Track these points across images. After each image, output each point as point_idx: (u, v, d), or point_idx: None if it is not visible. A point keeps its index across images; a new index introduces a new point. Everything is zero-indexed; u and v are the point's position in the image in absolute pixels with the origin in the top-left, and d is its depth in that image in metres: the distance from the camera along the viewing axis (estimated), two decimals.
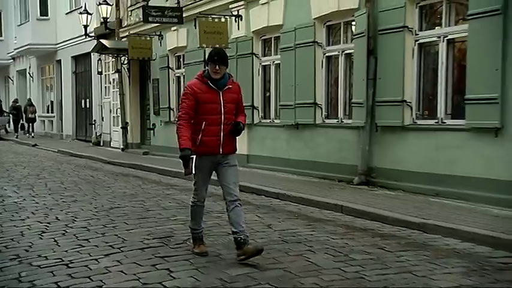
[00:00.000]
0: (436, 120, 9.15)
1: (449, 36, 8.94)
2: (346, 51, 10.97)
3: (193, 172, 5.46)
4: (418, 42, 9.43)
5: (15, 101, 30.64)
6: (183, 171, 5.56)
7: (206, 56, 14.89)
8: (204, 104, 5.43)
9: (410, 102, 9.46)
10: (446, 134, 8.89)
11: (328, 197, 8.98)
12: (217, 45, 13.86)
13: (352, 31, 10.67)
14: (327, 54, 11.41)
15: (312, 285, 4.77)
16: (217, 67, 5.39)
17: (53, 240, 6.54)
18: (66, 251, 6.02)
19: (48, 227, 7.30)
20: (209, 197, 9.78)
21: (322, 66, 11.39)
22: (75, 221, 7.72)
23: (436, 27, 9.30)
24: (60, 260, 5.61)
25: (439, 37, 9.05)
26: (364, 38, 9.92)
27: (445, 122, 9.00)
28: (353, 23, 10.53)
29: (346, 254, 5.88)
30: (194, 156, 5.39)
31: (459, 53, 9.03)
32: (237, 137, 5.74)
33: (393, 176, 9.70)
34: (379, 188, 9.80)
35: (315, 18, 11.29)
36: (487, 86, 7.99)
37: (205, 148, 5.48)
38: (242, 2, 13.45)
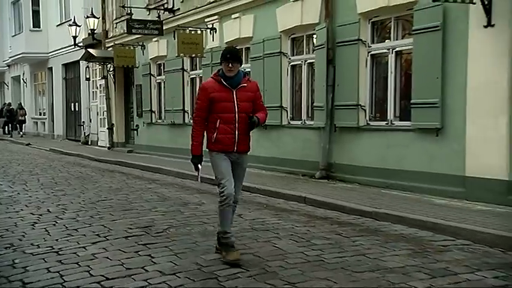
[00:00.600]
0: (387, 122, 9.30)
1: (397, 49, 9.10)
2: (308, 61, 11.06)
3: (199, 180, 5.45)
4: (370, 53, 9.56)
5: (9, 104, 30.32)
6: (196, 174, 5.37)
7: (184, 63, 15.21)
8: (218, 102, 5.03)
9: (364, 106, 9.60)
10: (395, 134, 9.05)
11: (293, 190, 9.07)
12: (194, 55, 14.01)
13: (313, 43, 10.77)
14: (291, 63, 11.49)
15: (277, 268, 4.80)
16: (230, 65, 4.98)
17: (44, 230, 6.52)
18: (56, 239, 6.00)
19: (40, 218, 7.26)
20: (186, 190, 10.00)
21: (287, 74, 11.49)
22: (65, 212, 7.69)
23: (386, 41, 9.46)
24: (51, 248, 5.60)
25: (388, 49, 9.21)
26: (324, 49, 10.05)
27: (394, 124, 9.16)
28: (314, 36, 10.63)
29: (308, 239, 5.95)
30: (200, 167, 5.23)
31: (405, 63, 9.18)
32: (250, 131, 5.29)
33: (350, 171, 9.81)
34: (337, 181, 9.90)
35: (281, 31, 11.37)
36: (429, 92, 8.15)
37: (221, 146, 5.10)
38: (216, 17, 13.50)
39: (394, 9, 8.98)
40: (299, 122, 11.29)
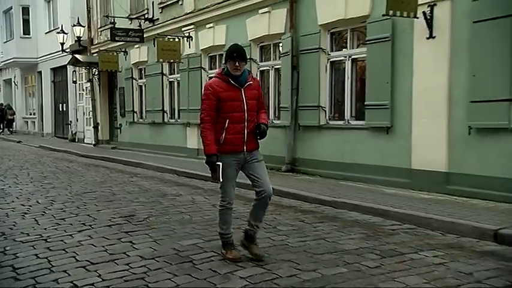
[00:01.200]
0: (344, 121, 9.44)
1: (353, 56, 9.25)
2: (275, 67, 11.13)
3: (221, 180, 4.47)
4: (330, 60, 9.66)
5: (1, 104, 29.74)
6: (211, 175, 4.55)
7: (163, 68, 15.17)
8: (226, 102, 4.41)
9: (324, 107, 9.71)
10: (352, 132, 9.18)
11: None
12: (172, 61, 13.94)
13: (279, 51, 10.82)
14: (260, 69, 11.54)
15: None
16: (237, 63, 4.39)
17: (33, 220, 6.42)
18: (45, 228, 5.92)
19: (30, 209, 7.15)
20: (165, 183, 9.99)
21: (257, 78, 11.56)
22: (53, 203, 7.57)
23: (343, 49, 9.56)
24: (40, 236, 5.53)
25: (345, 57, 9.34)
26: (289, 57, 10.14)
27: (350, 123, 9.29)
28: (280, 44, 10.68)
29: (275, 226, 5.99)
30: (221, 164, 4.42)
31: (360, 70, 9.31)
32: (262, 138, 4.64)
33: (312, 165, 9.91)
34: (301, 174, 10.00)
35: (250, 40, 11.41)
36: (380, 95, 8.29)
37: (230, 147, 4.46)
38: (192, 26, 13.47)
39: (350, 22, 9.10)
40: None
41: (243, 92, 4.46)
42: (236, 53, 4.43)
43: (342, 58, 9.50)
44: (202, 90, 4.62)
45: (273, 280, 4.08)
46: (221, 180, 4.47)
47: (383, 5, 7.24)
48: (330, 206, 7.18)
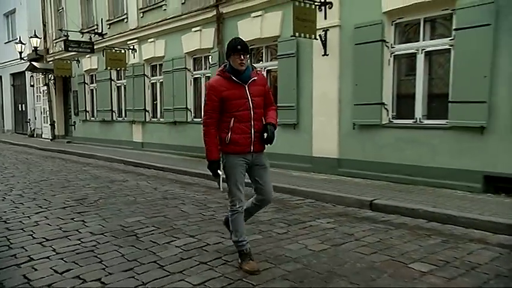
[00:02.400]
0: None
1: (268, 68, 9.34)
2: (206, 75, 11.04)
3: (221, 189, 3.57)
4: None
5: None
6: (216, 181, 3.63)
7: (111, 75, 14.64)
8: (230, 101, 3.40)
9: None
10: None
11: (195, 169, 9.02)
12: (119, 68, 13.48)
13: (209, 62, 10.76)
14: (194, 76, 11.40)
15: (182, 225, 4.84)
16: (242, 57, 3.37)
17: None
18: (4, 212, 5.59)
19: None
20: (113, 171, 9.68)
21: (191, 84, 11.40)
22: (13, 190, 7.16)
23: (260, 62, 9.65)
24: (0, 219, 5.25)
25: (262, 68, 9.36)
26: (217, 66, 10.02)
27: None
28: (210, 56, 10.63)
29: (205, 204, 6.01)
30: (222, 173, 3.51)
31: (273, 79, 9.37)
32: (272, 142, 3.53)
33: None
34: None
35: (185, 53, 11.25)
36: (289, 99, 8.47)
37: (236, 147, 3.46)
38: (136, 40, 13.05)
39: (265, 40, 9.22)
40: (200, 119, 11.18)
41: (247, 88, 3.44)
42: (241, 46, 3.39)
43: (259, 69, 9.43)
44: (205, 90, 3.59)
45: (203, 247, 4.10)
46: (221, 188, 3.56)
47: (291, 28, 7.40)
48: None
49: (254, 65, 7.24)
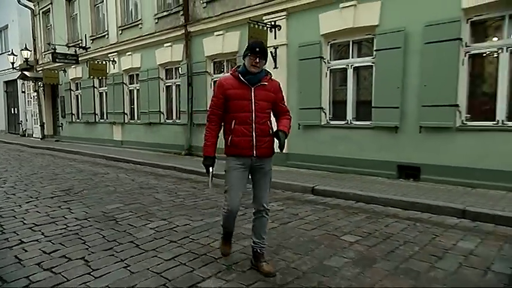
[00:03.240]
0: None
1: None
2: (176, 83, 10.84)
3: (210, 186, 3.07)
4: (212, 79, 9.65)
5: None
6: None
7: (94, 83, 14.05)
8: (233, 100, 2.77)
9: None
10: None
11: (167, 162, 8.91)
12: (100, 77, 13.00)
13: (179, 72, 10.58)
14: (166, 84, 11.17)
15: (156, 210, 4.76)
16: (257, 59, 2.75)
17: None
18: None
19: None
20: (96, 165, 9.34)
21: (163, 91, 11.16)
22: (6, 183, 6.77)
23: (222, 73, 9.61)
24: None
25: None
26: (185, 77, 9.97)
27: None
28: (180, 68, 10.45)
29: (176, 192, 5.92)
30: (212, 170, 2.93)
31: None
32: (280, 143, 2.80)
33: (200, 150, 9.87)
34: (195, 156, 9.91)
35: (159, 64, 11.00)
36: None
37: (237, 150, 2.81)
38: (116, 53, 12.59)
39: (226, 55, 9.18)
40: (171, 121, 11.08)
41: (252, 90, 2.79)
42: (259, 48, 2.77)
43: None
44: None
45: (173, 228, 4.05)
46: (210, 187, 3.04)
47: (247, 44, 7.41)
48: (214, 177, 7.15)
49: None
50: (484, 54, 5.65)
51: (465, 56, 5.66)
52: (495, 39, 5.54)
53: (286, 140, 2.81)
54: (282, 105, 2.97)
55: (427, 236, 3.80)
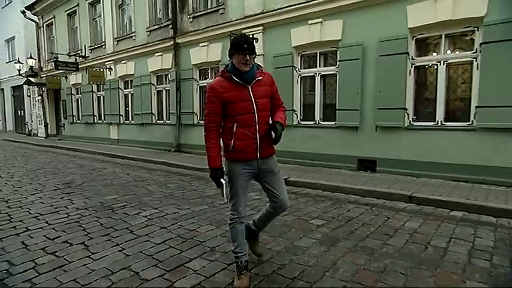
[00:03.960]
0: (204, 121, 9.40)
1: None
2: (166, 88, 10.60)
3: (225, 199, 2.37)
4: (199, 85, 9.51)
5: None
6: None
7: (93, 88, 13.67)
8: (232, 103, 2.25)
9: (196, 113, 9.55)
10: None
11: (159, 158, 8.74)
12: (98, 83, 12.64)
13: (169, 78, 10.37)
14: (157, 89, 10.91)
15: (148, 200, 4.68)
16: (247, 57, 2.23)
17: None
18: (6, 194, 5.12)
19: None
20: (95, 161, 9.10)
21: (154, 95, 10.91)
22: (13, 177, 6.53)
23: (207, 79, 9.48)
24: (2, 199, 4.79)
25: (207, 83, 9.19)
26: (175, 82, 9.78)
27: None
28: (169, 75, 10.23)
29: (166, 184, 5.84)
30: (225, 182, 2.34)
31: None
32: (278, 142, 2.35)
33: (189, 147, 9.73)
34: (184, 153, 9.76)
35: (150, 72, 10.74)
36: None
37: (240, 154, 2.31)
38: (112, 61, 12.21)
39: (210, 64, 9.08)
40: (162, 121, 10.85)
41: (250, 89, 2.29)
42: (247, 44, 2.23)
43: (205, 84, 9.37)
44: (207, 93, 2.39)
45: (163, 216, 4.00)
46: (225, 200, 2.39)
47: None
48: (197, 170, 7.14)
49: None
50: (426, 66, 5.82)
51: (411, 67, 5.80)
52: (434, 54, 5.71)
53: (281, 130, 2.29)
54: (277, 97, 2.48)
55: (381, 218, 3.91)
